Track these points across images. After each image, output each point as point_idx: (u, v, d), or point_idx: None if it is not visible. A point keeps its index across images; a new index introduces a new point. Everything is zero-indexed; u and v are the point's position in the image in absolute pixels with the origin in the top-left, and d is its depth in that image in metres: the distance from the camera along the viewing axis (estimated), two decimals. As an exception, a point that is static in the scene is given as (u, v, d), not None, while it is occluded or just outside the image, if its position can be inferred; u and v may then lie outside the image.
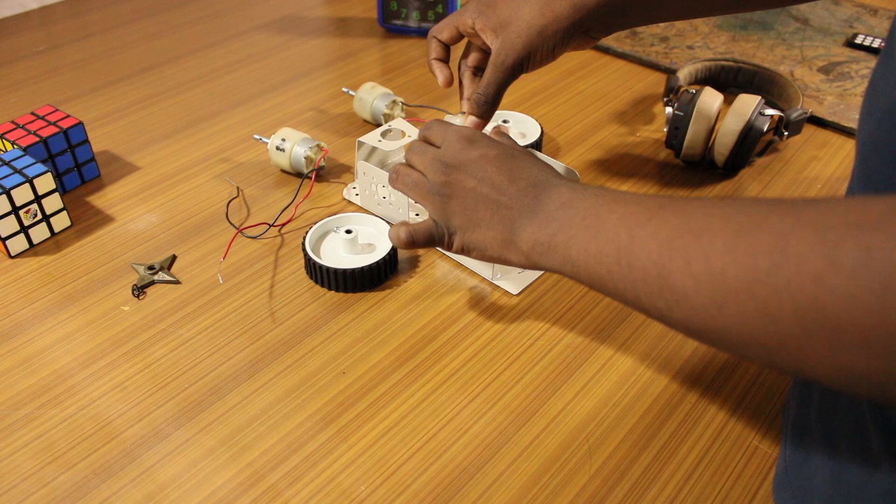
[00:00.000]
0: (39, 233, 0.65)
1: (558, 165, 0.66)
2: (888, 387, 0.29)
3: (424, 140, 0.55)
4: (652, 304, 0.38)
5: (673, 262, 0.36)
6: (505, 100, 0.86)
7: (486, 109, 0.59)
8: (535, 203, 0.47)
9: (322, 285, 0.61)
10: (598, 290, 0.43)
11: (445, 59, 0.64)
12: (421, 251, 0.65)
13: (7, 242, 0.63)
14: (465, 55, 0.63)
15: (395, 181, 0.55)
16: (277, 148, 0.72)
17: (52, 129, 0.69)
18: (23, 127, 0.70)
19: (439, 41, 0.63)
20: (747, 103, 0.71)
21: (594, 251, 0.41)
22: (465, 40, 0.64)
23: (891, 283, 0.27)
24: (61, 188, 0.71)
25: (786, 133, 0.74)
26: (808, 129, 0.82)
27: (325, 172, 0.75)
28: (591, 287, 0.43)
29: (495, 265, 0.62)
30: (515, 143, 0.55)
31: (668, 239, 0.36)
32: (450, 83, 0.63)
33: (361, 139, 0.69)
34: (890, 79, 0.39)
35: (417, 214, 0.68)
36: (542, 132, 0.77)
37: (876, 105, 0.40)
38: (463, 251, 0.51)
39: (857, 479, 0.40)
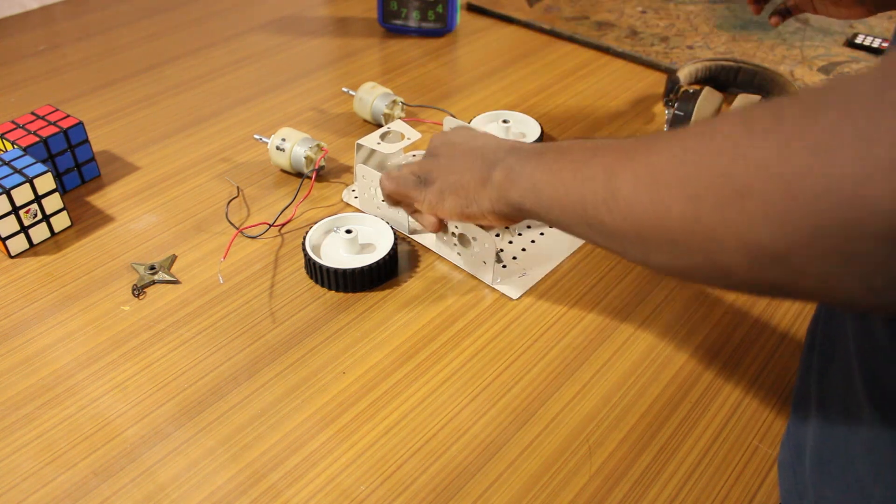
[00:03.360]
0: (39, 233, 0.65)
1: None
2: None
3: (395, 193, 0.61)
4: (597, 213, 0.41)
5: (620, 168, 0.40)
6: (505, 100, 0.87)
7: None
8: (512, 148, 0.53)
9: (322, 285, 0.61)
10: (555, 213, 0.46)
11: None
12: (421, 252, 0.65)
13: (7, 242, 0.63)
14: None
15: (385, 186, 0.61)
16: (277, 148, 0.72)
17: (52, 129, 0.69)
18: (23, 127, 0.70)
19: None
20: (747, 103, 0.71)
21: (556, 168, 0.46)
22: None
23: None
24: (61, 188, 0.71)
25: (786, 133, 0.73)
26: (808, 130, 0.81)
27: (325, 172, 0.75)
28: (551, 214, 0.46)
29: (495, 270, 0.62)
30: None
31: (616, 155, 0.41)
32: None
33: (360, 141, 0.69)
34: None
35: (417, 214, 0.68)
36: (542, 132, 0.77)
37: None
38: (439, 197, 0.56)
39: (843, 432, 0.41)
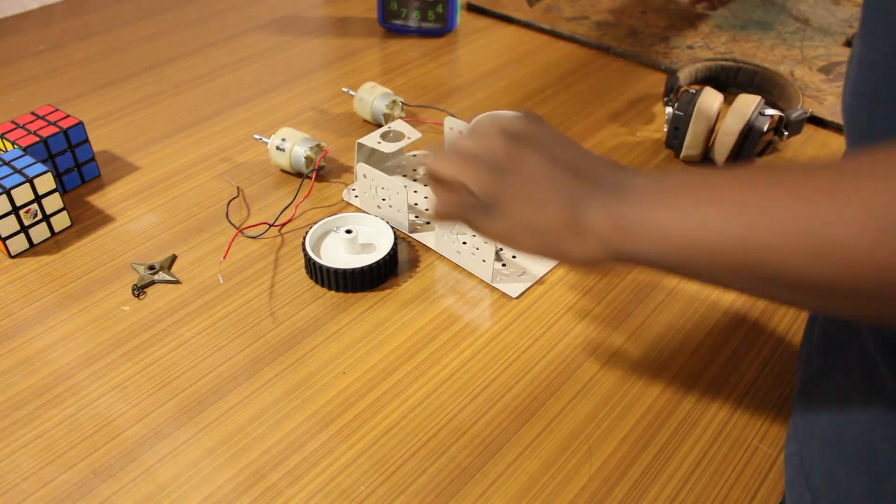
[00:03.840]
0: (39, 233, 0.65)
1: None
2: None
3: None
4: (781, 263, 0.34)
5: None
6: (505, 100, 0.87)
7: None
8: (614, 182, 0.40)
9: (322, 285, 0.61)
10: (698, 265, 0.38)
11: None
12: (421, 252, 0.65)
13: (7, 242, 0.63)
14: None
15: (439, 207, 0.47)
16: (277, 148, 0.72)
17: (52, 129, 0.69)
18: (23, 127, 0.70)
19: None
20: (747, 103, 0.71)
21: (696, 209, 0.36)
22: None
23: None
24: (61, 188, 0.71)
25: (786, 133, 0.74)
26: (809, 129, 0.82)
27: (325, 172, 0.75)
28: (691, 265, 0.38)
29: (494, 269, 0.62)
30: None
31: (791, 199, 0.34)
32: None
33: (361, 141, 0.69)
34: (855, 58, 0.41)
35: (416, 217, 0.68)
36: (542, 132, 0.76)
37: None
38: (509, 233, 0.43)
39: (859, 407, 0.41)
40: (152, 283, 0.62)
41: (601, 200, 0.40)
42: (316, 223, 0.64)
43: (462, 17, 1.07)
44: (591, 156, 0.44)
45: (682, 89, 0.75)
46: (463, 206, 0.45)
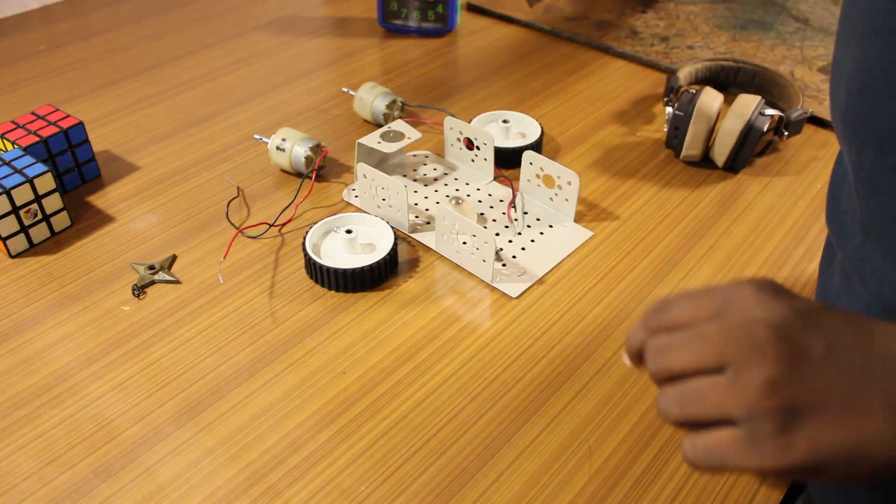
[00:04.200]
0: (39, 233, 0.65)
1: (558, 167, 0.66)
2: None
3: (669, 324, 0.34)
4: None
5: None
6: (505, 99, 0.87)
7: None
8: None
9: (322, 285, 0.61)
10: None
11: None
12: (421, 252, 0.65)
13: (7, 242, 0.63)
14: None
15: (692, 448, 0.33)
16: (277, 148, 0.72)
17: (52, 129, 0.69)
18: (23, 127, 0.70)
19: None
20: (747, 103, 0.71)
21: None
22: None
23: None
24: (61, 188, 0.71)
25: (786, 133, 0.74)
26: (809, 129, 0.82)
27: (325, 172, 0.75)
28: None
29: (494, 269, 0.62)
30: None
31: None
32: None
33: (361, 141, 0.69)
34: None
35: (416, 217, 0.68)
36: (542, 132, 0.77)
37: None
38: (813, 467, 0.30)
39: None
40: (152, 283, 0.62)
41: None
42: (316, 223, 0.64)
43: (462, 17, 1.07)
44: (861, 324, 0.32)
45: (682, 89, 0.75)
46: (728, 441, 0.31)
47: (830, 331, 0.31)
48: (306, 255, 0.61)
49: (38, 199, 0.64)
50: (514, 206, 0.69)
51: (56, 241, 0.66)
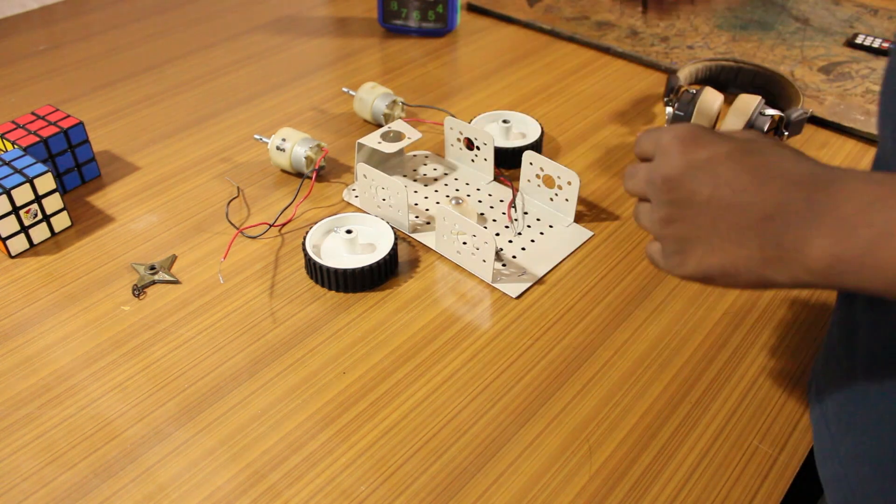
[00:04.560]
0: (40, 233, 0.65)
1: (558, 167, 0.66)
2: None
3: (638, 157, 0.45)
4: None
5: None
6: (505, 99, 0.87)
7: None
8: (811, 206, 0.36)
9: (322, 285, 0.61)
10: None
11: None
12: (421, 252, 0.65)
13: (7, 242, 0.63)
14: None
15: (636, 218, 0.46)
16: (278, 148, 0.72)
17: (52, 129, 0.69)
18: (23, 127, 0.70)
19: None
20: (748, 103, 0.71)
21: None
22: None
23: None
24: (61, 188, 0.71)
25: (786, 133, 0.74)
26: (809, 130, 0.82)
27: (326, 172, 0.75)
28: None
29: (494, 269, 0.62)
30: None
31: None
32: None
33: (361, 141, 0.69)
34: None
35: (417, 217, 0.68)
36: (543, 132, 0.77)
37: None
38: (702, 279, 0.41)
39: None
40: (152, 283, 0.62)
41: (805, 235, 0.36)
42: (316, 223, 0.64)
43: (462, 17, 1.07)
44: (762, 169, 0.38)
45: (682, 89, 0.75)
46: (649, 251, 0.45)
47: (722, 178, 0.39)
48: (306, 255, 0.61)
49: (38, 199, 0.64)
50: (514, 207, 0.69)
51: (56, 242, 0.66)
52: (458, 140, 0.73)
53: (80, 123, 0.71)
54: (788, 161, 0.38)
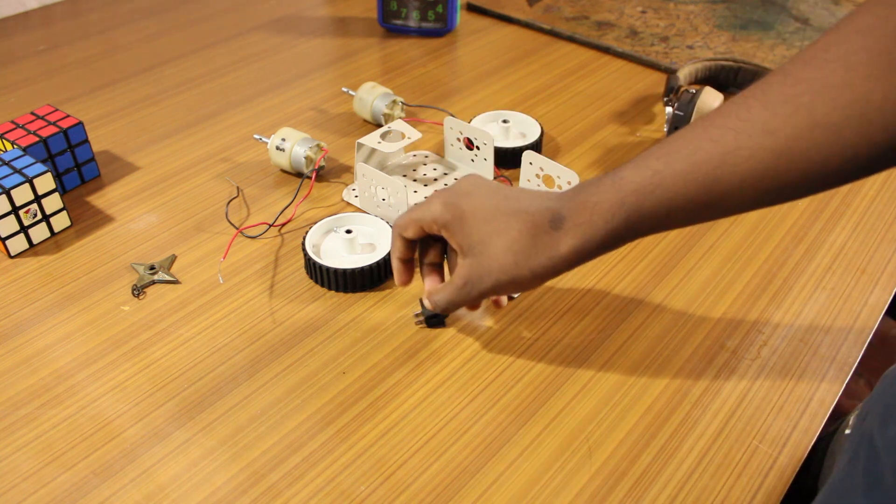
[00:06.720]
0: (39, 233, 0.65)
1: (558, 167, 0.66)
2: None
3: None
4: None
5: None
6: (505, 100, 0.87)
7: (445, 313, 0.57)
8: (561, 195, 0.47)
9: (322, 285, 0.61)
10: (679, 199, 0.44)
11: (410, 259, 0.55)
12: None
13: (7, 242, 0.63)
14: (423, 252, 0.55)
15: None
16: (277, 148, 0.72)
17: (52, 129, 0.69)
18: (23, 127, 0.70)
19: (405, 240, 0.54)
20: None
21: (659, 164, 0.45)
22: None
23: None
24: (61, 188, 0.71)
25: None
26: (808, 129, 0.81)
27: (325, 172, 0.75)
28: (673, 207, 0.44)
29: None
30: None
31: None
32: (407, 285, 0.56)
33: (361, 140, 0.69)
34: None
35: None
36: (542, 132, 0.77)
37: None
38: (480, 283, 0.49)
39: None
40: (152, 283, 0.62)
41: (561, 212, 0.47)
42: (316, 223, 0.64)
43: (462, 17, 1.07)
44: (521, 190, 0.50)
45: (682, 89, 0.75)
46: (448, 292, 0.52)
47: (481, 192, 0.50)
48: (306, 255, 0.61)
49: (37, 199, 0.64)
50: (514, 206, 0.69)
51: (56, 242, 0.66)
52: (458, 140, 0.73)
53: (80, 123, 0.71)
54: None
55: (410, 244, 0.54)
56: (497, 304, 0.57)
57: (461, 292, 0.50)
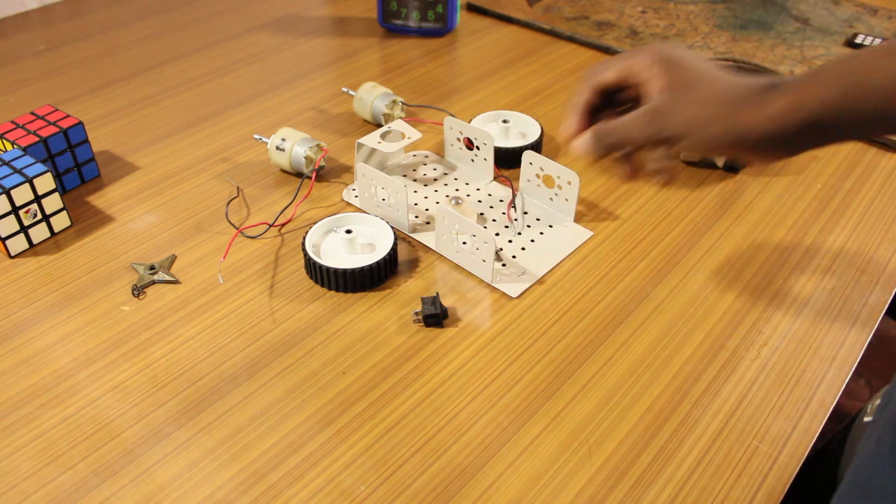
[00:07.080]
0: (39, 233, 0.65)
1: (558, 167, 0.66)
2: None
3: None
4: None
5: None
6: (505, 99, 0.87)
7: (599, 152, 0.52)
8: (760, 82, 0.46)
9: (322, 285, 0.61)
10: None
11: (590, 114, 0.52)
12: (421, 252, 0.65)
13: (7, 242, 0.63)
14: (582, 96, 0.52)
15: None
16: (277, 148, 0.72)
17: (51, 129, 0.69)
18: (23, 127, 0.70)
19: (596, 89, 0.51)
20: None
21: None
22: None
23: None
24: (61, 188, 0.71)
25: (786, 133, 0.73)
26: (808, 129, 0.81)
27: (325, 172, 0.75)
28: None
29: (494, 269, 0.62)
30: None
31: None
32: (577, 137, 0.52)
33: (361, 140, 0.69)
34: None
35: (416, 217, 0.68)
36: (542, 132, 0.77)
37: None
38: (672, 117, 0.46)
39: None
40: (152, 283, 0.62)
41: (764, 95, 0.44)
42: (316, 223, 0.64)
43: (462, 17, 1.07)
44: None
45: (682, 89, 0.75)
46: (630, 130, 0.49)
47: (694, 82, 0.47)
48: (306, 255, 0.61)
49: (37, 199, 0.64)
50: (514, 206, 0.69)
51: (56, 242, 0.66)
52: (458, 140, 0.73)
53: (80, 123, 0.71)
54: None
55: (598, 97, 0.51)
56: (668, 175, 0.52)
57: (641, 121, 0.47)
